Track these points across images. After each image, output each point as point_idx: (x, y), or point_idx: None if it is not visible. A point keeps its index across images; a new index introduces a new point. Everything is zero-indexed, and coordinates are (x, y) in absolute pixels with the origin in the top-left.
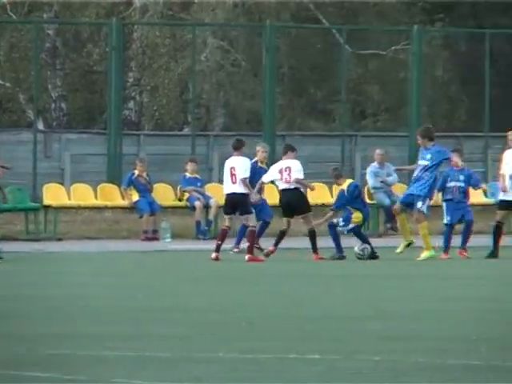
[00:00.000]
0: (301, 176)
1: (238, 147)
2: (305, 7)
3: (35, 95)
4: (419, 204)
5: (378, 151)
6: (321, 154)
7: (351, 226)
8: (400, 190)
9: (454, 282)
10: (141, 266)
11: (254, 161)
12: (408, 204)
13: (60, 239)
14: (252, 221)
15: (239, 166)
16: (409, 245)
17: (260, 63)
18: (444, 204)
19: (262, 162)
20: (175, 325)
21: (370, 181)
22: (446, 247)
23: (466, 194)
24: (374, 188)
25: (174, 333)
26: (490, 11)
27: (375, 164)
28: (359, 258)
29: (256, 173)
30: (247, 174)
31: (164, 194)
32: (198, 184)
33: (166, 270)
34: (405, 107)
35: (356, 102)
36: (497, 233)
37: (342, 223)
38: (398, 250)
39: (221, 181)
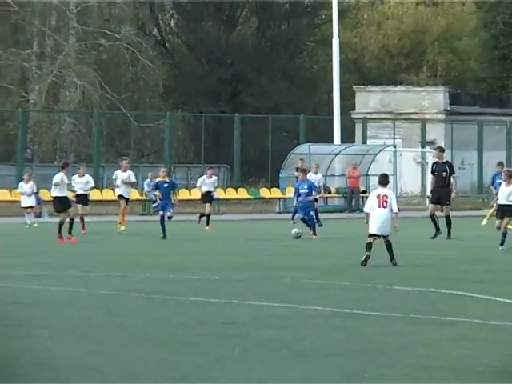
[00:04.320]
0: None
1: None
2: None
3: None
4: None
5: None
6: None
7: None
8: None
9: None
10: None
11: None
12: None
13: None
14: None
15: None
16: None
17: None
18: None
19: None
20: None
21: (146, 188)
22: None
23: None
24: (148, 191)
25: None
26: (206, 104)
27: (148, 180)
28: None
29: None
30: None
31: None
32: None
33: None
34: (163, 151)
35: (140, 149)
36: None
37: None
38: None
39: None
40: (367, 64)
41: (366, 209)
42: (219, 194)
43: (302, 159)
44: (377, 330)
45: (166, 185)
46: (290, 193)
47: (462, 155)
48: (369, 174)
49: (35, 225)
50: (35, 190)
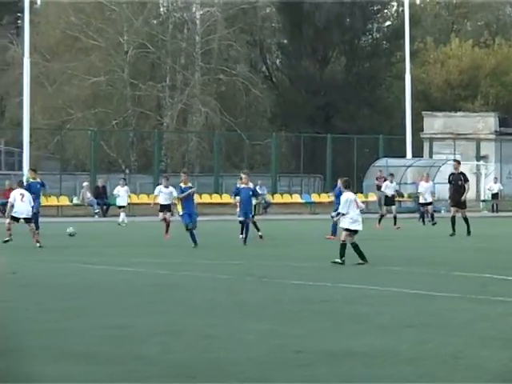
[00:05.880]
0: None
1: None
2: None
3: None
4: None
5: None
6: None
7: None
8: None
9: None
10: None
11: None
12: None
13: None
14: None
15: None
16: None
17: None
18: None
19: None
20: None
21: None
22: None
23: None
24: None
25: None
26: (304, 126)
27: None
28: None
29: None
30: None
31: None
32: None
33: None
34: (270, 164)
35: (251, 163)
36: None
37: None
38: None
39: None
40: (433, 94)
41: (343, 210)
42: (314, 198)
43: (380, 170)
44: (441, 307)
45: (250, 192)
46: (373, 197)
47: (509, 167)
48: (434, 182)
49: (124, 224)
50: (129, 194)
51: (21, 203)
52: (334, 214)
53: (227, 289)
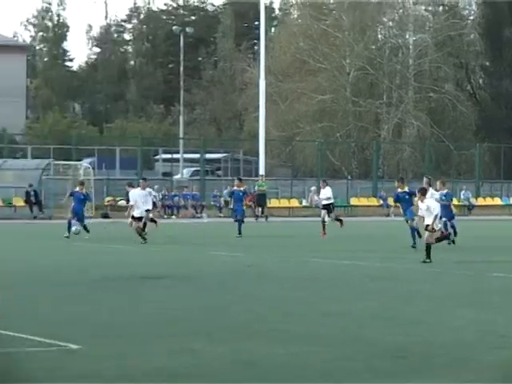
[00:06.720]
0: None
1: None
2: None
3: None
4: None
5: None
6: None
7: None
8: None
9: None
10: None
11: None
12: None
13: None
14: None
15: None
16: None
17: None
18: None
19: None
20: None
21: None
22: None
23: None
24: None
25: None
26: (504, 137)
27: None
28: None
29: None
30: None
31: None
32: None
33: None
34: (474, 171)
35: (457, 170)
36: None
37: None
38: None
39: None
40: None
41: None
42: None
43: None
44: None
45: (407, 196)
46: None
47: None
48: None
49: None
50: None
51: (141, 204)
52: None
53: (435, 280)
